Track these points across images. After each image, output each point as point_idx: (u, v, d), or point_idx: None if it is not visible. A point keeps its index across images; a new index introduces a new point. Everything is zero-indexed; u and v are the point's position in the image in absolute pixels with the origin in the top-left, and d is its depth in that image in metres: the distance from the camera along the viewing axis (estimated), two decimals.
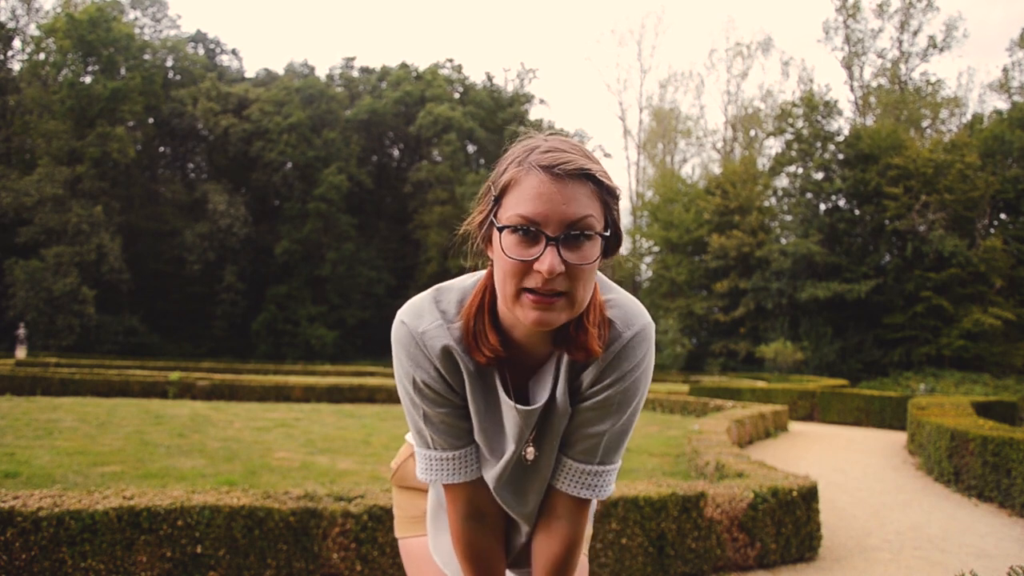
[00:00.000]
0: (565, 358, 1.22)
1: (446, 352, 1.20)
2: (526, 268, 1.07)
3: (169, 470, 6.41)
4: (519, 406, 1.22)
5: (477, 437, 1.28)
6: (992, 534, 5.95)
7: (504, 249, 1.08)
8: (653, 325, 1.25)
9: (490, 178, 1.16)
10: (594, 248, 1.08)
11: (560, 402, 1.23)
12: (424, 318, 1.21)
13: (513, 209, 1.08)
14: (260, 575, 3.39)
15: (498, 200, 1.12)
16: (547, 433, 1.27)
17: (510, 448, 1.26)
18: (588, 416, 1.24)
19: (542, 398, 1.23)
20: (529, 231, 1.07)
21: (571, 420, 1.26)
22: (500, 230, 1.09)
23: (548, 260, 1.05)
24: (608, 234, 1.11)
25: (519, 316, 1.10)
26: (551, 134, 1.17)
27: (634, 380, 1.22)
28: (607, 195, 1.11)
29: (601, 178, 1.10)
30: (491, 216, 1.13)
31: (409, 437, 1.56)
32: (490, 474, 1.31)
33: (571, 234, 1.06)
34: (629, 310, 1.22)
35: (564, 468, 1.30)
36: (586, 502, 1.33)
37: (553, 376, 1.23)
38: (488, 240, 1.16)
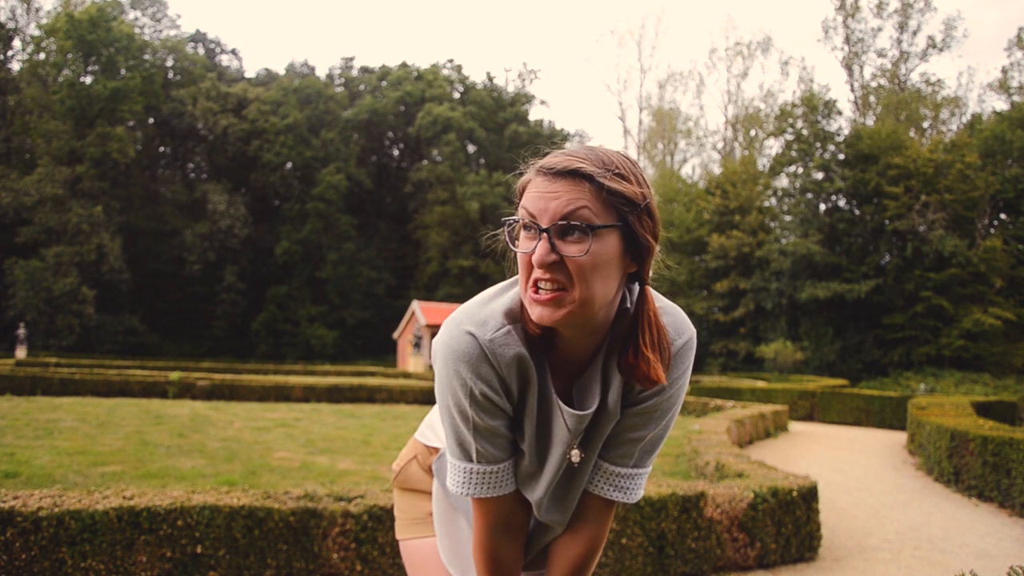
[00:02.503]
0: (615, 369, 1.23)
1: (518, 359, 1.19)
2: (529, 260, 1.13)
3: (169, 470, 6.41)
4: (573, 411, 1.22)
5: (526, 447, 1.27)
6: (992, 534, 5.95)
7: (514, 245, 1.17)
8: (696, 333, 1.28)
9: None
10: (587, 241, 1.09)
11: (612, 408, 1.24)
12: (488, 324, 1.19)
13: (521, 207, 1.15)
14: (260, 575, 3.39)
15: (518, 205, 1.18)
16: (593, 438, 1.28)
17: (557, 455, 1.27)
18: (632, 422, 1.27)
19: (589, 402, 1.24)
20: (530, 226, 1.13)
21: (613, 425, 1.28)
22: (512, 227, 1.18)
23: (538, 250, 1.09)
24: (601, 228, 1.10)
25: (528, 312, 1.15)
26: (583, 146, 1.20)
27: (679, 388, 1.26)
28: (613, 197, 1.11)
29: (601, 179, 1.10)
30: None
31: (419, 437, 1.56)
32: (539, 486, 1.31)
33: (559, 224, 1.10)
34: (678, 318, 1.26)
35: (598, 471, 1.32)
36: (613, 505, 1.35)
37: (600, 381, 1.24)
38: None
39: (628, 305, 1.22)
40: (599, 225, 1.11)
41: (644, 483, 1.34)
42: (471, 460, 1.27)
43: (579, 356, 1.23)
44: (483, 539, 1.34)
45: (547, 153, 1.20)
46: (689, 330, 1.26)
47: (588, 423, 1.26)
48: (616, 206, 1.12)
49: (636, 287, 1.22)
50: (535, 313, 1.12)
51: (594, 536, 1.35)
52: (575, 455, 1.27)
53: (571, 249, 1.09)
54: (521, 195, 1.17)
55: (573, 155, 1.14)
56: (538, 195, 1.12)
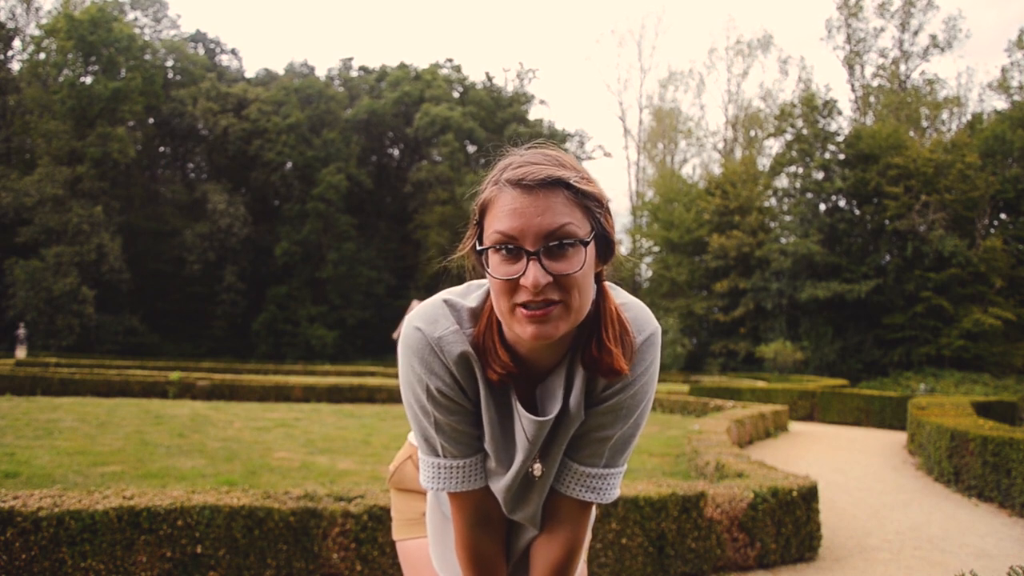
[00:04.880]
0: (579, 367, 1.21)
1: (463, 358, 1.19)
2: (513, 285, 1.07)
3: (169, 470, 6.41)
4: (534, 417, 1.21)
5: (487, 446, 1.27)
6: (992, 534, 5.95)
7: (490, 269, 1.09)
8: (660, 330, 1.26)
9: (475, 201, 1.17)
10: (579, 255, 1.08)
11: (574, 411, 1.23)
12: (439, 323, 1.20)
13: (492, 228, 1.09)
14: (260, 575, 3.39)
15: (480, 223, 1.13)
16: (555, 442, 1.27)
17: (519, 459, 1.26)
18: (597, 422, 1.25)
19: (552, 407, 1.22)
20: (510, 248, 1.07)
21: (579, 426, 1.26)
22: (483, 252, 1.11)
23: (531, 275, 1.04)
24: (591, 240, 1.10)
25: (518, 332, 1.10)
26: (531, 147, 1.16)
27: (643, 384, 1.23)
28: (588, 201, 1.10)
29: (577, 184, 1.08)
30: (476, 239, 1.14)
31: (411, 438, 1.56)
32: (499, 485, 1.30)
33: (550, 245, 1.06)
34: (639, 315, 1.23)
35: (569, 472, 1.30)
36: (589, 505, 1.33)
37: (564, 385, 1.22)
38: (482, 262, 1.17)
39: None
40: (587, 240, 1.09)
41: (618, 483, 1.31)
42: (438, 455, 1.28)
43: (546, 363, 1.22)
44: (462, 533, 1.34)
45: (502, 158, 1.15)
46: (652, 325, 1.23)
47: (550, 428, 1.24)
48: (590, 209, 1.11)
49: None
50: (530, 332, 1.08)
51: (572, 538, 1.32)
52: (536, 468, 1.26)
53: (562, 267, 1.06)
54: (483, 213, 1.12)
55: (542, 163, 1.10)
56: (514, 212, 1.06)
